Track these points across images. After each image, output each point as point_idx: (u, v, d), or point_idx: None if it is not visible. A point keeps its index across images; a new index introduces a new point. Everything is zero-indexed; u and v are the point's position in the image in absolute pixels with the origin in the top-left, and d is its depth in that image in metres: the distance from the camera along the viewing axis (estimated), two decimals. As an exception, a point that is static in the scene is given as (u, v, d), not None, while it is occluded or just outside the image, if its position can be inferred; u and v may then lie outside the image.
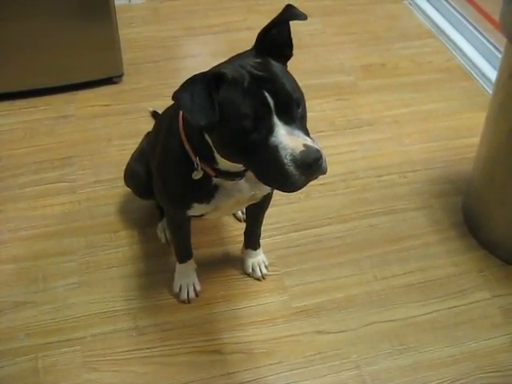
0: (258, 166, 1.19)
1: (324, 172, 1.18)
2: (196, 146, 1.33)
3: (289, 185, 1.15)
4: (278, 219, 2.14)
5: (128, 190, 2.06)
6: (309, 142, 1.14)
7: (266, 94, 1.13)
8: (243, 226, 1.95)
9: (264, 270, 1.94)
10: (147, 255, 2.01)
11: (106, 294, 1.88)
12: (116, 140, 2.47)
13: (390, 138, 2.52)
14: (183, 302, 1.85)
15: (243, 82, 1.14)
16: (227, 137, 1.16)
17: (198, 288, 1.88)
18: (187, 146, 1.34)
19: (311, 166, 1.12)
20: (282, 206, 2.19)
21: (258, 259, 1.94)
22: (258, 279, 1.93)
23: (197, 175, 1.36)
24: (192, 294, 1.86)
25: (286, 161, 1.12)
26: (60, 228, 2.10)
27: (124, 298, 1.87)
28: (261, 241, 1.95)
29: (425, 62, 3.02)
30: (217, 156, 1.30)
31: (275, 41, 1.24)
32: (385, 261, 2.00)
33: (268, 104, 1.13)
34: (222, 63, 1.24)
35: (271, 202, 2.11)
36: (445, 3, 3.32)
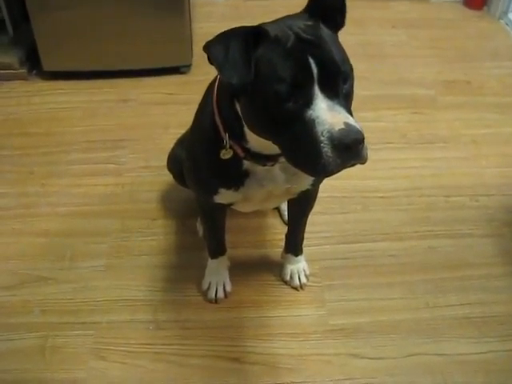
0: (288, 141, 1.03)
1: (363, 160, 1.01)
2: (226, 119, 1.18)
3: (320, 167, 0.98)
4: (329, 228, 1.97)
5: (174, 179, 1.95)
6: (351, 120, 0.97)
7: (311, 59, 0.98)
8: (288, 229, 1.79)
9: (303, 279, 1.76)
10: (181, 247, 1.89)
11: (131, 282, 1.76)
12: (173, 128, 2.36)
13: (466, 157, 2.29)
14: (210, 301, 1.71)
15: (287, 42, 0.99)
16: (259, 103, 1.01)
17: (228, 288, 1.73)
18: (218, 120, 1.20)
19: (350, 147, 0.95)
20: (335, 214, 2.02)
21: (299, 267, 1.77)
22: (296, 288, 1.76)
23: (225, 154, 1.21)
24: (221, 294, 1.71)
25: (321, 138, 0.96)
26: (98, 208, 2.02)
27: (149, 288, 1.74)
28: (305, 248, 1.79)
29: (515, 83, 2.77)
30: (247, 132, 1.15)
31: (328, 5, 1.08)
32: (441, 288, 1.77)
33: (311, 71, 0.97)
34: (269, 22, 1.09)
35: (323, 209, 1.97)
36: (545, 24, 3.06)
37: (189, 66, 2.78)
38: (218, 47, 0.98)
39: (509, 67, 2.90)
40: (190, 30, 2.72)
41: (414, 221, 2.00)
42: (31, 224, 1.96)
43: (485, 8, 3.43)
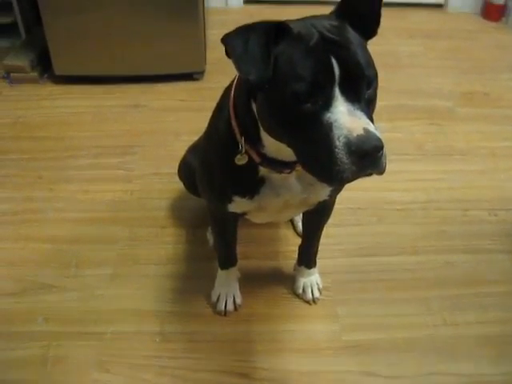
0: (302, 145, 0.97)
1: (381, 170, 0.95)
2: (243, 122, 1.13)
3: (335, 174, 0.92)
4: (342, 240, 1.90)
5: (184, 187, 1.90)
6: (371, 127, 0.92)
7: (333, 60, 0.92)
8: (302, 241, 1.73)
9: (316, 293, 1.70)
10: (191, 257, 1.83)
11: (138, 291, 1.70)
12: (184, 135, 2.32)
13: (484, 170, 2.23)
14: (219, 313, 1.65)
15: (309, 40, 0.94)
16: (275, 102, 0.96)
17: (239, 301, 1.67)
18: (234, 124, 1.15)
19: (368, 154, 0.90)
20: (350, 226, 1.96)
21: (311, 280, 1.71)
22: (308, 302, 1.70)
23: (240, 160, 1.16)
24: (230, 307, 1.65)
25: (337, 143, 0.90)
26: (106, 215, 1.97)
27: (156, 298, 1.69)
28: (318, 261, 1.72)
29: (534, 96, 2.71)
30: (263, 136, 1.10)
31: (361, 10, 1.02)
32: (458, 304, 1.70)
33: (332, 72, 0.92)
34: (293, 20, 1.03)
35: (337, 221, 1.91)
36: None
37: (202, 73, 2.75)
38: (236, 40, 0.93)
39: (528, 79, 2.85)
40: (204, 36, 2.69)
41: (431, 235, 1.94)
42: (37, 229, 1.91)
43: (503, 19, 3.39)
